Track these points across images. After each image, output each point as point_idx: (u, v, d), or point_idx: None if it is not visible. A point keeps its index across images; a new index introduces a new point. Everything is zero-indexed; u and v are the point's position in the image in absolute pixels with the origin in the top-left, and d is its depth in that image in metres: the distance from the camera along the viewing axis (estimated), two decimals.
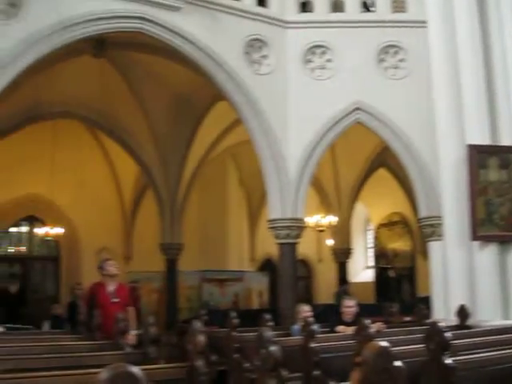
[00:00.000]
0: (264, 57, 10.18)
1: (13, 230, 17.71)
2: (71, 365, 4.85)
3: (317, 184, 16.16)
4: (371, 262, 21.16)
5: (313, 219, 16.22)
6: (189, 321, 10.86)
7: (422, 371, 4.43)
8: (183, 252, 15.23)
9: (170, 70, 11.97)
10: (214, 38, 9.66)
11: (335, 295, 14.74)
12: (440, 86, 9.97)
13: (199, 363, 4.06)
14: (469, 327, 8.25)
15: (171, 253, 15.07)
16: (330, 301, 15.82)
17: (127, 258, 17.28)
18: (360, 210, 19.24)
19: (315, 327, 5.94)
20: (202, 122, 14.08)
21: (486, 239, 9.45)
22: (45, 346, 6.01)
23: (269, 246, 14.30)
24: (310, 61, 10.40)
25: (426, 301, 10.16)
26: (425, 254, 13.13)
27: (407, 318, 10.82)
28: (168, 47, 9.64)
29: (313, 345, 5.60)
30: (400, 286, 18.64)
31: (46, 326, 10.18)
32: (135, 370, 1.77)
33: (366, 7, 11.59)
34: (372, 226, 20.99)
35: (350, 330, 6.88)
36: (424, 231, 10.36)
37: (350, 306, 8.02)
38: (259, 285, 16.78)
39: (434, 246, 10.15)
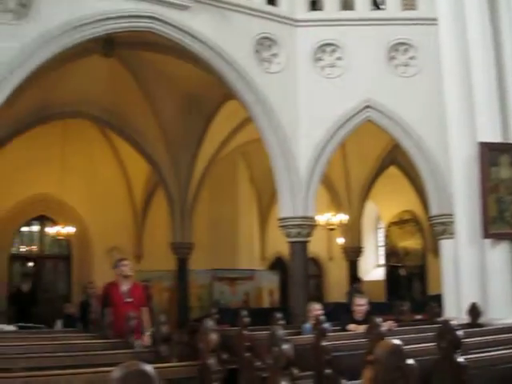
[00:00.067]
0: (274, 55, 10.18)
1: (24, 229, 17.80)
2: (83, 363, 4.87)
3: (327, 182, 16.13)
4: (382, 260, 21.11)
5: (323, 218, 16.18)
6: (200, 319, 10.88)
7: (433, 369, 4.42)
8: (194, 251, 15.25)
9: (179, 69, 11.99)
10: (224, 37, 9.67)
11: (347, 294, 14.71)
12: (451, 83, 9.93)
13: (211, 361, 4.07)
14: (480, 325, 8.22)
15: (182, 252, 15.10)
16: (340, 299, 15.80)
17: (138, 257, 17.31)
18: (371, 208, 19.19)
19: (326, 325, 5.93)
20: (212, 121, 14.09)
21: (498, 237, 9.41)
22: (57, 344, 6.04)
23: (279, 244, 14.29)
24: (320, 59, 10.39)
25: (437, 299, 10.13)
26: (436, 252, 13.08)
27: (418, 317, 10.78)
28: (178, 46, 9.65)
29: (324, 343, 5.60)
30: (411, 284, 18.58)
31: (58, 325, 10.23)
32: (148, 368, 1.78)
33: (376, 5, 11.57)
34: (383, 224, 20.93)
35: (361, 328, 6.87)
36: (435, 229, 10.33)
37: (361, 305, 8.00)
38: (270, 283, 16.79)
39: (445, 244, 10.12)
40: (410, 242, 19.44)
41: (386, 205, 19.79)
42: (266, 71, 10.08)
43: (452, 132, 9.85)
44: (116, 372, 1.76)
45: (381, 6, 11.64)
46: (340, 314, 8.67)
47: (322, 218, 15.88)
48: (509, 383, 4.89)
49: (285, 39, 10.26)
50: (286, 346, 3.54)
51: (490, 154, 9.45)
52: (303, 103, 10.27)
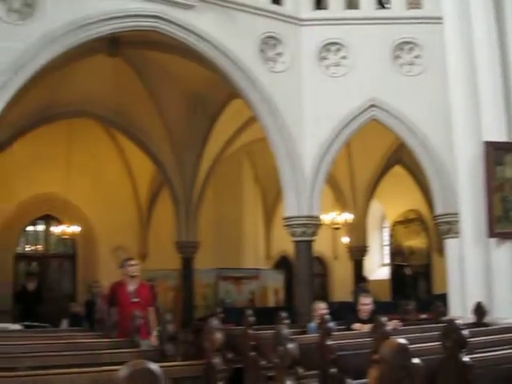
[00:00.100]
0: (279, 54, 10.17)
1: (29, 228, 17.85)
2: (88, 362, 4.88)
3: (332, 181, 16.12)
4: (387, 259, 21.10)
5: (328, 217, 16.18)
6: (205, 319, 10.90)
7: (438, 369, 4.42)
8: (199, 250, 15.26)
9: (184, 68, 11.99)
10: (229, 36, 9.67)
11: (353, 293, 14.70)
12: (456, 82, 9.91)
13: (216, 361, 4.07)
14: (485, 325, 8.20)
15: (187, 251, 15.11)
16: (345, 298, 15.79)
17: (143, 256, 17.32)
18: (376, 207, 19.18)
19: (331, 325, 5.93)
20: (217, 120, 14.10)
21: (503, 236, 9.39)
22: (62, 343, 6.05)
23: (284, 243, 14.29)
24: (324, 58, 10.38)
25: (442, 298, 10.11)
26: (441, 251, 13.06)
27: (423, 316, 10.77)
28: (182, 45, 9.66)
29: (329, 342, 5.60)
30: (416, 283, 18.55)
31: (64, 324, 10.25)
32: (154, 367, 1.78)
33: (381, 4, 11.55)
34: (388, 223, 20.92)
35: (366, 327, 6.87)
36: (440, 228, 10.31)
37: (366, 304, 8.00)
38: (275, 282, 16.79)
39: (450, 244, 10.10)
40: (415, 241, 19.42)
41: (391, 204, 19.78)
42: (270, 70, 10.08)
43: (457, 131, 9.83)
44: (122, 371, 1.76)
45: (386, 5, 11.62)
46: (345, 313, 8.67)
47: (326, 217, 15.86)
48: None
49: (289, 38, 10.25)
50: (291, 345, 3.55)
51: (495, 153, 9.43)
52: (308, 102, 10.26)
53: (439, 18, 10.17)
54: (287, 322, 7.15)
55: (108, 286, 8.19)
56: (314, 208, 10.28)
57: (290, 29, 10.30)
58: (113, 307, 7.70)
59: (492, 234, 9.33)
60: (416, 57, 10.35)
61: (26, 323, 10.19)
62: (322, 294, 18.51)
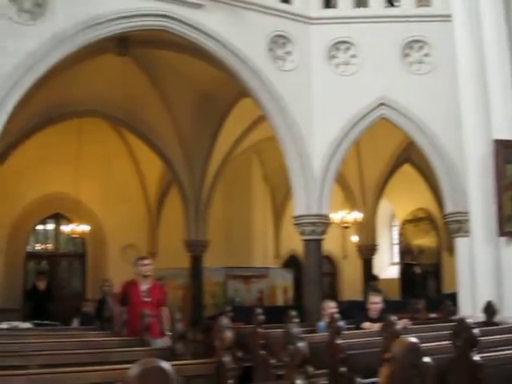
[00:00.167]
0: (288, 53, 10.17)
1: (39, 227, 17.93)
2: (98, 360, 4.90)
3: (341, 180, 16.10)
4: (396, 258, 21.04)
5: (338, 215, 16.14)
6: (214, 317, 10.91)
7: (449, 368, 4.40)
8: (208, 249, 15.28)
9: (193, 67, 12.01)
10: (238, 35, 9.67)
11: (364, 292, 14.66)
12: (466, 80, 9.87)
13: (227, 359, 4.08)
14: (496, 324, 8.17)
15: (196, 250, 15.13)
16: (354, 297, 15.77)
17: (152, 255, 17.30)
18: (385, 206, 19.13)
19: (341, 323, 5.92)
20: (226, 119, 14.10)
21: None
22: (72, 341, 6.07)
23: (293, 242, 14.29)
24: (334, 57, 10.36)
25: (452, 297, 10.08)
26: (451, 250, 13.03)
27: (433, 315, 10.74)
28: (192, 45, 9.67)
29: (339, 341, 5.59)
30: (425, 282, 18.50)
31: (75, 323, 10.28)
32: (166, 365, 1.79)
33: (390, 2, 11.53)
34: (397, 222, 20.86)
35: (375, 326, 6.85)
36: (450, 227, 10.28)
37: (375, 303, 7.97)
38: (284, 281, 16.77)
39: (460, 242, 10.07)
40: (425, 240, 19.36)
41: (400, 203, 19.73)
42: (279, 69, 10.08)
43: (467, 129, 9.80)
44: (134, 369, 1.76)
45: (395, 3, 11.59)
46: (354, 312, 8.65)
47: (336, 216, 15.84)
48: None
49: (299, 37, 10.24)
50: (301, 344, 3.55)
51: (505, 151, 9.39)
52: (317, 101, 10.25)
53: (448, 16, 10.15)
54: (296, 320, 7.13)
55: (120, 284, 8.14)
56: (323, 207, 10.27)
57: (299, 27, 10.29)
58: (124, 306, 7.66)
59: (502, 232, 9.30)
60: (425, 55, 10.33)
61: (36, 321, 10.23)
62: (331, 293, 18.46)
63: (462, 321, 4.56)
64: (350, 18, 10.45)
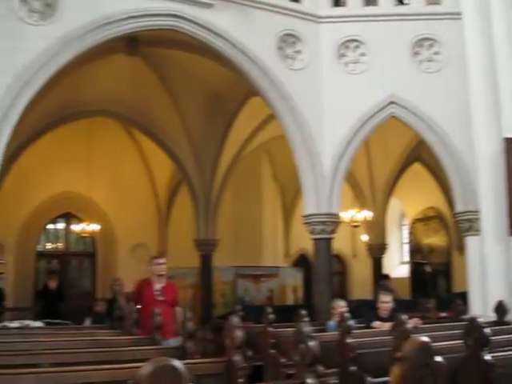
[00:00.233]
0: (297, 52, 10.16)
1: (50, 226, 18.01)
2: (109, 359, 4.91)
3: (351, 179, 16.07)
4: (406, 257, 20.98)
5: (347, 214, 16.12)
6: (224, 316, 10.92)
7: (460, 367, 4.39)
8: (217, 248, 15.30)
9: (203, 66, 12.02)
10: (247, 34, 9.67)
11: (375, 290, 14.62)
12: (476, 78, 9.83)
13: (237, 358, 4.08)
14: (507, 323, 8.13)
15: (206, 249, 15.16)
16: (364, 296, 15.73)
17: (162, 254, 17.40)
18: (395, 204, 19.08)
19: (351, 323, 5.91)
20: (235, 118, 14.11)
21: None
22: (83, 340, 6.09)
23: (303, 241, 14.29)
24: (343, 55, 10.35)
25: (463, 296, 10.05)
26: (461, 249, 12.98)
27: (443, 314, 10.71)
28: (201, 44, 9.68)
29: (349, 340, 5.58)
30: (435, 281, 18.44)
31: (87, 323, 10.31)
32: (178, 364, 1.79)
33: (400, 0, 11.47)
34: (407, 221, 20.80)
35: (386, 325, 6.83)
36: (460, 226, 10.24)
37: (385, 302, 7.94)
38: (294, 280, 16.75)
39: (470, 241, 10.03)
40: (435, 239, 19.30)
41: (410, 201, 19.67)
42: (289, 68, 10.07)
43: (477, 128, 9.76)
44: (146, 367, 1.77)
45: (404, 1, 11.55)
46: (364, 311, 8.63)
47: (346, 215, 15.82)
48: None
49: (308, 36, 10.23)
50: (312, 343, 3.54)
51: None
52: (327, 100, 10.24)
53: (458, 14, 10.11)
54: (307, 319, 7.12)
55: (132, 283, 8.09)
56: (333, 206, 10.26)
57: (309, 26, 10.28)
58: (136, 304, 7.61)
59: None
60: (435, 53, 10.29)
61: (47, 320, 10.27)
62: (341, 292, 18.45)
63: (473, 320, 4.54)
64: (360, 17, 10.42)
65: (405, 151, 16.41)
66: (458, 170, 10.12)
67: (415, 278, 19.29)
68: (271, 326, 7.33)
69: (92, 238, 17.57)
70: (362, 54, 10.33)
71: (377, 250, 17.43)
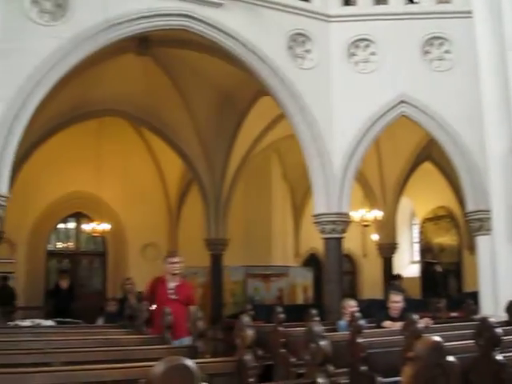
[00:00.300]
0: (307, 51, 10.15)
1: (61, 226, 18.09)
2: (120, 358, 4.92)
3: (361, 178, 16.04)
4: (417, 256, 20.93)
5: (358, 214, 16.09)
6: (234, 316, 10.93)
7: (472, 367, 4.37)
8: (228, 247, 15.32)
9: (213, 66, 12.03)
10: (257, 34, 9.67)
11: (386, 290, 14.58)
12: (487, 77, 9.78)
13: (248, 357, 4.08)
14: None
15: (216, 248, 15.18)
16: (374, 296, 15.70)
17: (174, 253, 17.41)
18: (405, 204, 19.04)
19: (362, 322, 5.90)
20: (245, 118, 14.12)
21: None
22: (95, 339, 6.11)
23: (313, 240, 14.28)
24: (353, 54, 10.32)
25: (473, 296, 10.01)
26: (472, 248, 12.93)
27: (454, 314, 10.67)
28: (211, 44, 9.69)
29: (360, 340, 5.57)
30: (446, 281, 18.38)
31: (99, 322, 10.34)
32: (190, 363, 1.79)
33: None
34: (417, 220, 20.75)
35: (397, 325, 6.81)
36: (471, 225, 10.19)
37: (396, 301, 7.90)
38: (304, 280, 16.75)
39: (481, 241, 9.98)
40: (446, 239, 19.24)
41: (420, 201, 19.62)
42: (299, 67, 10.06)
43: (488, 127, 9.71)
44: (158, 366, 1.77)
45: (414, 0, 11.52)
46: (374, 310, 8.61)
47: (356, 215, 15.79)
48: None
49: (318, 35, 10.22)
50: (323, 343, 3.54)
51: None
52: (337, 99, 10.22)
53: (469, 13, 10.06)
54: (317, 319, 7.12)
55: (148, 281, 8.04)
56: (343, 205, 10.24)
57: (319, 25, 10.27)
58: (150, 303, 7.54)
59: None
60: (446, 52, 10.25)
61: (58, 319, 10.31)
62: (351, 292, 18.42)
63: (484, 320, 4.52)
64: (370, 16, 10.40)
65: (415, 150, 16.36)
66: (468, 169, 10.08)
67: (426, 277, 19.21)
68: (281, 325, 7.33)
69: (102, 237, 17.64)
70: (372, 53, 10.31)
71: (387, 250, 17.38)
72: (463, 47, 10.13)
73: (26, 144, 12.02)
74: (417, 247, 21.01)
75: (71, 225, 18.25)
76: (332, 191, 10.17)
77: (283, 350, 6.91)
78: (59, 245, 18.21)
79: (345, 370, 5.52)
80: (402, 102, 10.18)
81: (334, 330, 7.78)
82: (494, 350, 4.33)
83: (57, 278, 14.70)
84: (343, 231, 10.38)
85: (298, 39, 10.09)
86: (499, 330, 4.40)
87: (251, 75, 10.14)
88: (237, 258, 15.98)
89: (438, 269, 18.10)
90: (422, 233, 20.36)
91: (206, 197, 15.08)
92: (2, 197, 7.84)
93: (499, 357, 4.33)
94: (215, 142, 14.57)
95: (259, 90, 11.66)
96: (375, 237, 18.28)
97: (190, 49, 11.44)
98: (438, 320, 8.65)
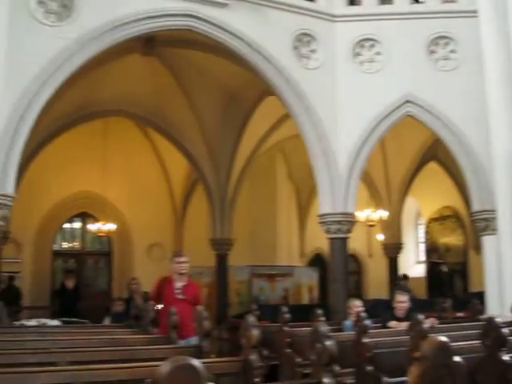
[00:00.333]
0: (312, 51, 10.14)
1: (66, 226, 18.13)
2: (126, 358, 4.92)
3: (367, 178, 16.01)
4: (422, 256, 20.89)
5: (363, 214, 16.07)
6: (239, 316, 10.93)
7: (478, 367, 4.36)
8: (233, 247, 15.32)
9: (219, 66, 12.03)
10: (262, 34, 9.68)
11: (391, 290, 14.56)
12: (492, 77, 9.75)
13: (253, 357, 4.08)
14: None
15: (221, 248, 15.18)
16: (380, 296, 15.68)
17: (179, 253, 17.41)
18: (411, 204, 19.00)
19: (368, 322, 5.89)
20: (250, 118, 14.13)
21: None
22: (101, 339, 6.12)
23: (319, 240, 14.26)
24: (358, 54, 10.31)
25: (479, 296, 9.98)
26: (478, 248, 12.90)
27: (460, 314, 10.64)
28: (216, 44, 9.70)
29: (365, 340, 5.57)
30: (452, 281, 18.34)
31: (106, 322, 10.36)
32: (196, 362, 1.79)
33: None
34: (423, 220, 20.71)
35: (402, 325, 6.80)
36: (477, 225, 10.17)
37: (401, 301, 7.89)
38: (309, 280, 16.73)
39: (487, 241, 9.96)
40: (451, 239, 19.20)
41: (426, 201, 19.59)
42: (304, 67, 10.06)
43: (494, 126, 9.68)
44: (165, 366, 1.77)
45: (420, 0, 11.50)
46: (379, 310, 8.60)
47: (361, 215, 15.77)
48: None
49: (323, 35, 10.21)
50: (329, 343, 3.54)
51: None
52: (342, 99, 10.21)
53: (474, 12, 10.04)
54: (323, 319, 7.11)
55: (155, 281, 8.01)
56: (348, 205, 10.23)
57: (324, 25, 10.26)
58: (156, 303, 7.51)
59: None
60: (451, 51, 10.23)
61: (64, 319, 10.33)
62: (357, 292, 18.40)
63: (490, 320, 4.52)
64: (375, 15, 10.39)
65: (420, 150, 16.32)
66: (474, 169, 10.05)
67: (431, 277, 19.17)
68: (287, 325, 7.32)
69: (108, 237, 17.67)
70: (378, 53, 10.29)
71: (392, 250, 17.34)
72: (469, 47, 10.10)
73: (32, 144, 12.05)
74: (422, 247, 20.97)
75: (77, 225, 18.29)
76: (337, 191, 10.16)
77: (289, 350, 6.91)
78: (65, 245, 18.25)
79: (351, 370, 5.52)
80: (408, 101, 10.16)
81: (340, 330, 7.77)
82: (501, 350, 4.33)
83: (63, 278, 14.74)
84: (348, 231, 10.37)
85: (303, 39, 10.09)
86: (505, 330, 4.39)
87: (256, 75, 10.15)
88: (242, 258, 15.98)
89: (444, 269, 18.07)
90: (427, 233, 20.33)
91: (211, 197, 15.09)
92: (8, 197, 7.86)
93: (505, 357, 4.32)
94: (220, 141, 14.58)
95: (264, 89, 11.66)
96: (380, 237, 18.25)
97: (196, 49, 11.46)
98: (444, 320, 8.64)
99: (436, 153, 16.25)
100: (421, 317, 5.05)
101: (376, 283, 18.88)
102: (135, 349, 5.38)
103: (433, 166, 17.01)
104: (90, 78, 11.76)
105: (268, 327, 7.78)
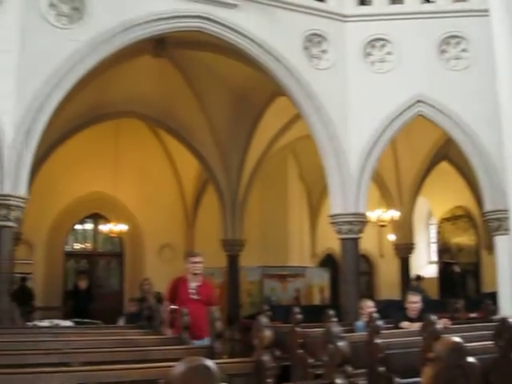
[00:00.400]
0: (323, 51, 10.14)
1: (78, 227, 18.21)
2: (138, 358, 4.94)
3: (378, 178, 15.96)
4: (434, 257, 20.80)
5: (374, 214, 16.02)
6: (251, 316, 10.93)
7: (491, 368, 4.34)
8: (244, 248, 15.32)
9: (229, 67, 12.05)
10: (273, 34, 9.69)
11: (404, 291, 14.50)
12: (504, 76, 9.71)
13: (266, 358, 4.08)
14: None
15: (233, 249, 15.19)
16: (391, 296, 15.63)
17: (190, 253, 17.44)
18: (422, 204, 18.93)
19: (380, 323, 5.88)
20: (261, 118, 14.13)
21: None
22: (113, 340, 6.14)
23: (330, 241, 14.23)
24: (369, 54, 10.30)
25: (492, 297, 9.93)
26: (490, 248, 12.83)
27: (473, 315, 10.60)
28: (227, 45, 9.72)
29: (378, 341, 5.55)
30: (464, 281, 18.25)
31: (120, 322, 10.39)
32: (210, 363, 1.79)
33: None
34: (435, 220, 20.63)
35: (415, 326, 6.78)
36: (490, 225, 10.12)
37: (414, 302, 7.86)
38: (320, 280, 16.71)
39: (500, 241, 9.91)
40: (463, 239, 19.11)
41: (437, 201, 19.51)
42: (315, 67, 10.05)
43: (506, 126, 9.63)
44: (179, 367, 1.77)
45: None
46: (391, 311, 8.57)
47: (372, 215, 15.72)
48: None
49: (334, 35, 10.20)
50: (341, 343, 3.54)
51: None
52: (353, 99, 10.20)
53: (486, 11, 9.99)
54: (335, 319, 7.10)
55: (168, 281, 7.99)
56: (360, 205, 10.21)
57: (335, 25, 10.26)
58: (170, 303, 7.48)
59: None
60: (462, 51, 10.19)
61: (76, 320, 10.37)
62: (368, 293, 18.35)
63: (504, 320, 4.49)
64: (386, 15, 10.37)
65: (432, 150, 16.25)
66: (486, 169, 10.01)
67: (443, 277, 19.09)
68: (299, 326, 7.32)
69: (120, 238, 17.72)
70: (388, 53, 10.28)
71: (404, 250, 17.28)
72: (480, 46, 10.06)
73: (44, 146, 12.11)
74: (434, 247, 20.89)
75: (88, 226, 18.36)
76: (348, 191, 10.14)
77: (301, 351, 6.91)
78: (77, 246, 18.34)
79: (363, 370, 5.50)
80: (419, 101, 10.14)
81: (352, 331, 7.75)
82: None
83: (75, 279, 14.80)
84: (360, 231, 10.35)
85: (314, 39, 10.08)
86: None
87: (267, 76, 10.16)
88: (253, 259, 15.98)
89: (456, 269, 17.98)
90: (439, 233, 20.25)
91: (222, 197, 15.10)
92: (21, 198, 7.91)
93: None
94: (231, 142, 14.59)
95: (275, 90, 11.66)
96: (392, 237, 18.18)
97: (206, 50, 11.48)
98: (457, 321, 8.60)
99: (447, 152, 16.17)
100: (433, 317, 5.04)
101: (387, 284, 18.82)
102: (148, 349, 5.39)
103: (444, 166, 16.94)
104: (101, 79, 11.81)
105: (280, 328, 7.77)
